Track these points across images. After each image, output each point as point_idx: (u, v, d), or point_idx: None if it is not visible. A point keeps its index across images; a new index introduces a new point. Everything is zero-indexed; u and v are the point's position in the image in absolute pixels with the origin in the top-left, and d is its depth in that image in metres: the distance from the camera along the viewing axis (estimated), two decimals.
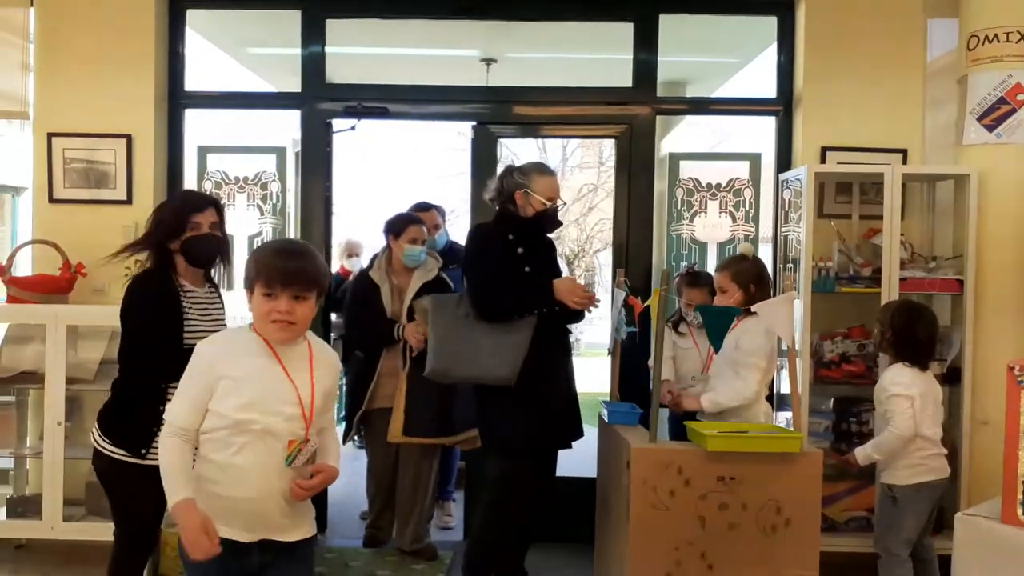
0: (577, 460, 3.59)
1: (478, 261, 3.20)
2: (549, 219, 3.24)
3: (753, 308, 2.93)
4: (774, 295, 3.22)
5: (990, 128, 3.47)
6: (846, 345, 3.66)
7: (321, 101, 4.10)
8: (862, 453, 3.12)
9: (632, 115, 4.08)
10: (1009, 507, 2.46)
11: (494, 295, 3.13)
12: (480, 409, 3.29)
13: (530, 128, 4.20)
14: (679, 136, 6.27)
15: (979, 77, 3.51)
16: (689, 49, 5.08)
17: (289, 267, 1.91)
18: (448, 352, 3.14)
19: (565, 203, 3.30)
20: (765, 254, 4.13)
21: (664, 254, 4.17)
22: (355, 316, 3.85)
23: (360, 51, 5.17)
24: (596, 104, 4.13)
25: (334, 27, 4.16)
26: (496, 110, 4.14)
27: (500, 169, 3.48)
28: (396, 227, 3.82)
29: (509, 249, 3.18)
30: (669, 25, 4.09)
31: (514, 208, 3.22)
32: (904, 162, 3.84)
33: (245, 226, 4.15)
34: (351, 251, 5.62)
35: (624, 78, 4.12)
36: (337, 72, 4.60)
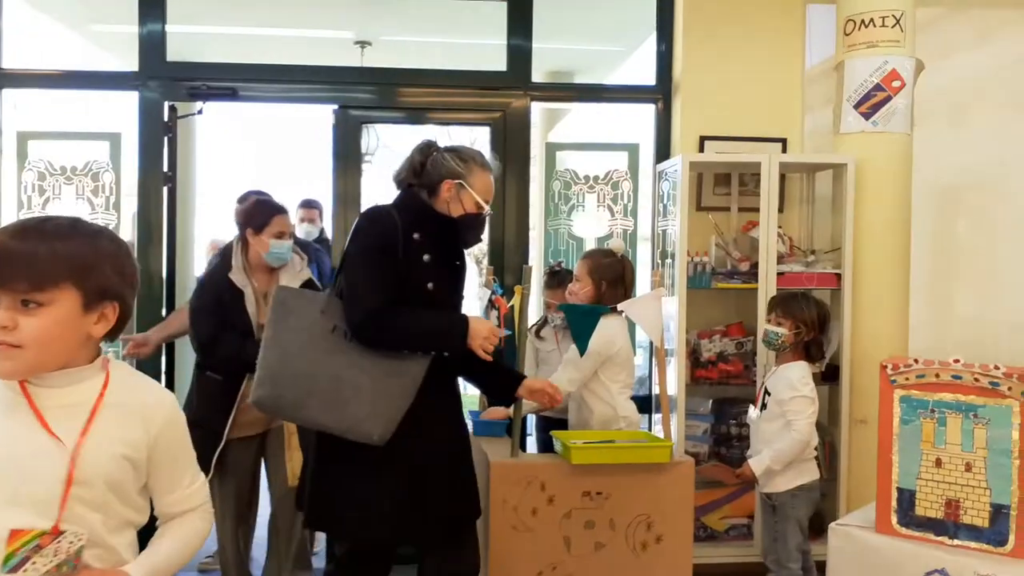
0: None
1: (370, 259, 2.25)
2: (479, 227, 2.43)
3: (620, 307, 2.71)
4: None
5: (867, 116, 3.36)
6: (724, 344, 3.50)
7: (160, 81, 3.68)
8: (759, 465, 2.83)
9: (506, 102, 3.81)
10: (883, 516, 2.31)
11: (389, 315, 2.23)
12: (316, 467, 2.34)
13: (398, 113, 3.88)
14: (569, 128, 6.09)
15: (855, 63, 3.40)
16: (572, 37, 4.87)
17: (5, 254, 1.21)
18: (295, 379, 2.22)
19: (492, 212, 2.51)
20: (644, 250, 3.95)
21: (542, 251, 3.93)
22: (212, 329, 2.98)
23: (219, 31, 4.74)
24: (469, 89, 3.85)
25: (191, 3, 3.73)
26: (360, 93, 3.80)
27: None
28: (258, 219, 3.07)
29: (413, 252, 2.30)
30: (547, 9, 3.84)
31: (429, 199, 2.36)
32: (784, 152, 3.72)
33: None
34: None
35: (500, 64, 3.86)
36: (200, 53, 4.17)
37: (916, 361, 2.32)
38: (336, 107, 3.76)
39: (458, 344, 2.29)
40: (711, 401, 3.55)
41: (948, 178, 3.75)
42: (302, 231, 4.38)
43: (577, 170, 3.90)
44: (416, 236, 2.31)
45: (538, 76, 3.94)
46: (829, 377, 3.41)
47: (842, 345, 3.38)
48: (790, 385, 2.84)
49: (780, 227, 3.49)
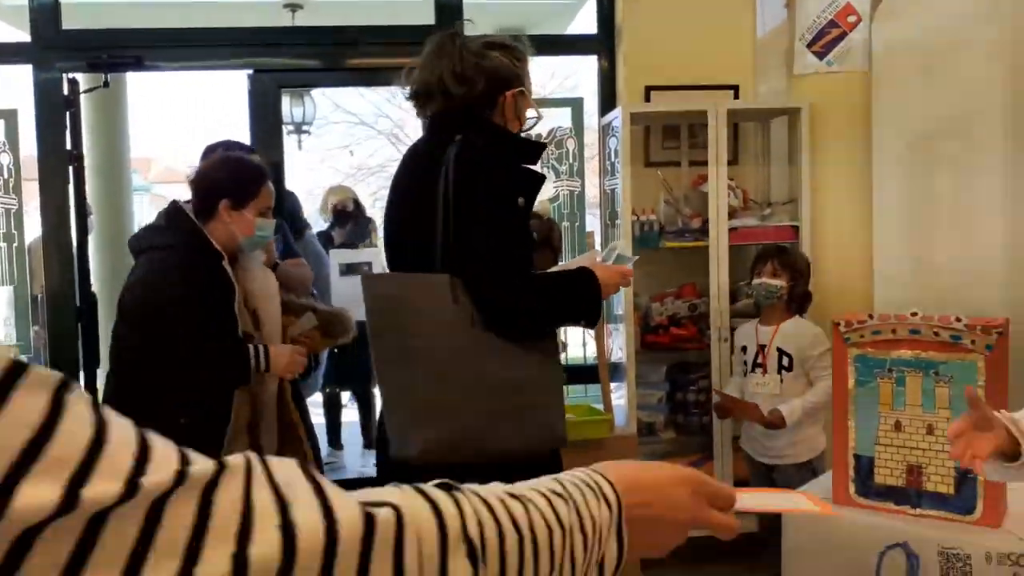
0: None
1: (497, 216, 1.63)
2: (539, 142, 1.93)
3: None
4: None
5: (820, 55, 3.11)
6: (676, 306, 3.27)
7: (57, 52, 3.38)
8: (792, 414, 2.61)
9: None
10: (840, 486, 2.11)
11: (532, 288, 1.68)
12: None
13: (319, 75, 3.60)
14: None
15: None
16: None
17: None
18: (470, 402, 1.61)
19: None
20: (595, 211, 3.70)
21: None
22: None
23: None
24: (396, 46, 3.56)
25: None
26: (276, 56, 3.51)
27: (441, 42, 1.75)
28: (240, 187, 2.21)
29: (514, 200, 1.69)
30: None
31: (490, 116, 1.75)
32: (736, 99, 3.46)
33: None
34: None
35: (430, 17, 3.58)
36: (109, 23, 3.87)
37: (871, 316, 2.10)
38: (250, 72, 3.48)
39: (597, 305, 1.74)
40: (665, 367, 3.33)
41: (919, 127, 3.49)
42: None
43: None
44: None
45: (487, 31, 3.65)
46: None
47: None
48: (816, 340, 2.70)
49: (732, 180, 3.25)
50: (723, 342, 3.09)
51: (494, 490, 0.58)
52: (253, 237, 2.23)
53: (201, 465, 0.45)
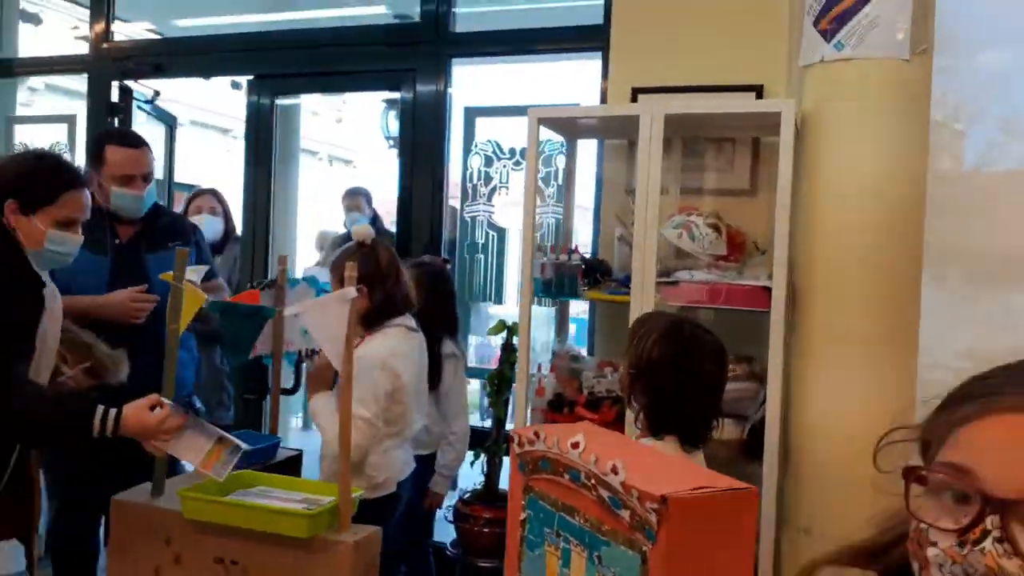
0: None
1: None
2: None
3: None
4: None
5: (828, 35, 2.06)
6: (614, 380, 2.40)
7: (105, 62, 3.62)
8: None
9: (417, 59, 3.09)
10: None
11: None
12: None
13: (301, 81, 3.40)
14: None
15: None
16: None
17: None
18: None
19: None
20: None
21: (458, 244, 3.11)
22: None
23: None
24: (371, 46, 3.17)
25: None
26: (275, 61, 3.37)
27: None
28: (33, 190, 1.92)
29: None
30: None
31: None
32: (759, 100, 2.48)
33: None
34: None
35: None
36: None
37: (537, 435, 1.23)
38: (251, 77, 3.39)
39: None
40: None
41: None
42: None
43: (501, 141, 3.03)
44: None
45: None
46: (752, 451, 2.15)
47: (767, 404, 2.10)
48: None
49: (711, 214, 2.31)
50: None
51: None
52: (42, 252, 1.88)
53: None
